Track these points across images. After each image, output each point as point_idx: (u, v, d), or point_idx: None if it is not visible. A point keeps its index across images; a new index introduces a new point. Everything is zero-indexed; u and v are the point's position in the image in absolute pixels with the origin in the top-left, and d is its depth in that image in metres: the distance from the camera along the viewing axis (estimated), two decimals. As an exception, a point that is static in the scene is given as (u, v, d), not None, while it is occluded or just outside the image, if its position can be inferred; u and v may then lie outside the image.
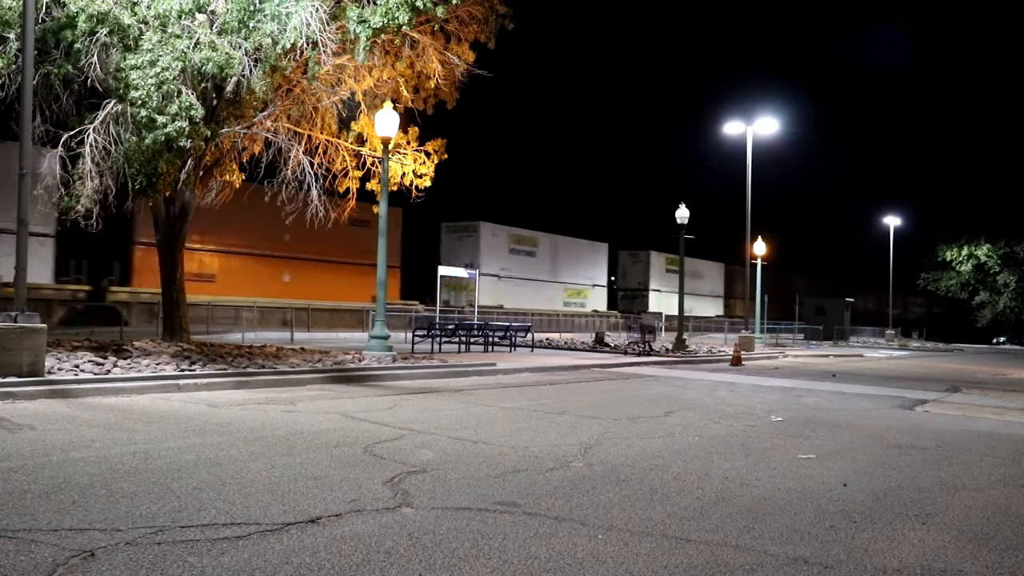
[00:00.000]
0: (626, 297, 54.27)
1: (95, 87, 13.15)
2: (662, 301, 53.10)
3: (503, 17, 16.29)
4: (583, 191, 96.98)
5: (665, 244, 58.12)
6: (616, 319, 47.79)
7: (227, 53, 12.72)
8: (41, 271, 23.37)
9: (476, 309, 33.13)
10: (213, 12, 13.32)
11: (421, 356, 18.10)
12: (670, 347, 26.59)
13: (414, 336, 22.38)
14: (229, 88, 14.01)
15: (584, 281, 49.84)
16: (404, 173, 17.74)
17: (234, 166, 17.05)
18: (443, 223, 42.60)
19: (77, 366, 11.19)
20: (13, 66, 12.32)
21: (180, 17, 12.76)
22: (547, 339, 29.39)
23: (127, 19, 12.69)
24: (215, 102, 14.18)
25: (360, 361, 15.08)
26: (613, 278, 54.90)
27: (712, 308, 61.34)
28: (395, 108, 16.21)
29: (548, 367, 17.84)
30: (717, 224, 62.38)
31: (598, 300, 51.34)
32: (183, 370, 11.70)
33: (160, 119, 12.24)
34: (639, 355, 23.36)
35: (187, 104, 12.49)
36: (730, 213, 51.23)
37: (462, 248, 41.70)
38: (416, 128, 17.72)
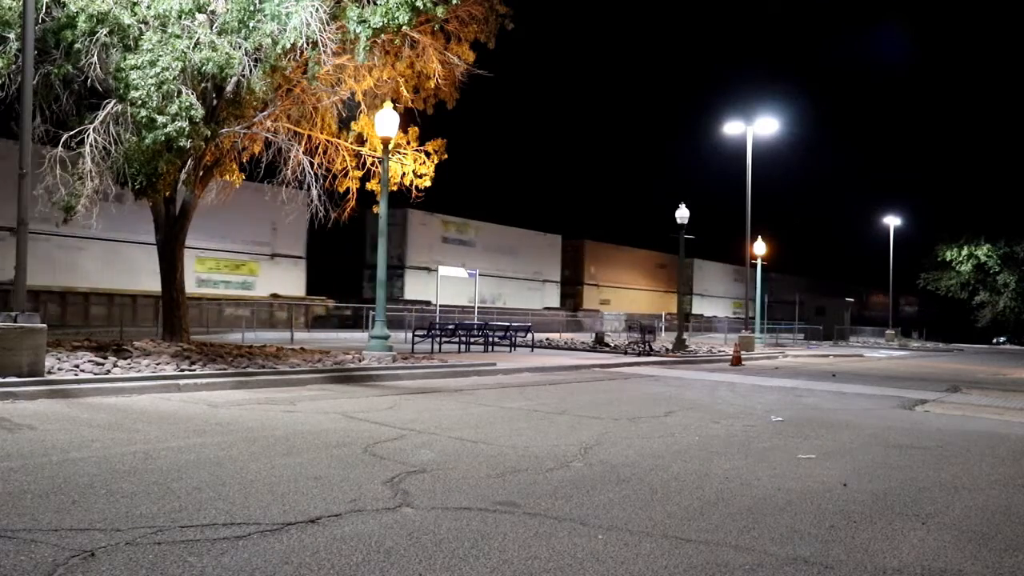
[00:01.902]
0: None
1: (95, 87, 13.15)
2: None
3: (503, 17, 16.28)
4: (582, 191, 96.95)
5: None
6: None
7: (227, 53, 12.72)
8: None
9: (476, 309, 33.13)
10: (213, 12, 13.32)
11: (421, 356, 18.10)
12: (670, 347, 26.59)
13: (414, 336, 22.39)
14: (229, 88, 14.02)
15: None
16: (404, 173, 17.75)
17: (234, 166, 17.05)
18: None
19: (77, 366, 11.19)
20: (13, 66, 12.32)
21: (180, 17, 12.76)
22: (547, 339, 29.40)
23: (127, 19, 12.69)
24: (215, 102, 14.18)
25: (360, 361, 15.08)
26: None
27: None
28: (395, 108, 16.21)
29: (548, 367, 17.84)
30: (717, 224, 62.59)
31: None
32: (183, 370, 11.70)
33: (160, 119, 12.24)
34: (639, 355, 23.36)
35: (187, 104, 12.49)
36: (730, 213, 51.27)
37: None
38: (416, 128, 17.72)
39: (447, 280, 33.53)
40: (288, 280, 32.67)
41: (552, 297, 47.03)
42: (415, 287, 38.15)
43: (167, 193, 15.10)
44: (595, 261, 51.76)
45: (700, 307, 59.25)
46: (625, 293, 53.94)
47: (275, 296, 31.59)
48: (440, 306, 33.37)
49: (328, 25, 13.54)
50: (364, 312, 32.06)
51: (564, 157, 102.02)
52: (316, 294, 34.01)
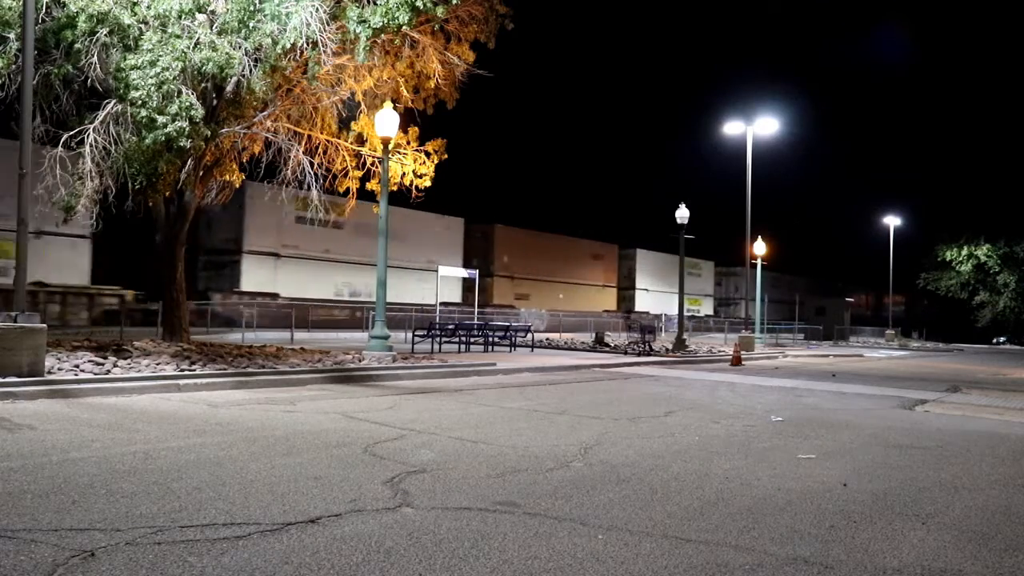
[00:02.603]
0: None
1: (95, 87, 13.15)
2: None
3: (503, 17, 16.29)
4: (582, 191, 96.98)
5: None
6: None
7: (227, 53, 12.72)
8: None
9: (476, 309, 33.08)
10: (213, 12, 13.32)
11: (421, 356, 18.10)
12: (670, 347, 26.59)
13: (414, 336, 22.39)
14: (229, 88, 14.02)
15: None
16: (404, 173, 17.75)
17: (234, 166, 17.06)
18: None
19: (77, 366, 11.19)
20: (13, 66, 12.32)
21: (180, 17, 12.76)
22: (547, 339, 29.40)
23: (127, 19, 12.69)
24: (215, 102, 14.18)
25: (360, 361, 15.08)
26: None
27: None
28: (395, 108, 16.21)
29: (548, 367, 17.84)
30: (717, 224, 62.28)
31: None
32: (183, 370, 11.70)
33: (160, 119, 12.24)
34: (639, 355, 23.36)
35: (187, 104, 12.49)
36: (730, 213, 51.13)
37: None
38: (416, 128, 17.73)
39: (303, 269, 30.57)
40: (64, 265, 25.70)
41: (450, 290, 39.55)
42: (257, 277, 31.47)
43: (167, 193, 15.11)
44: (508, 249, 44.39)
45: (644, 303, 54.71)
46: (551, 287, 47.08)
47: (40, 284, 24.57)
48: (294, 299, 29.30)
49: (328, 25, 13.54)
50: (204, 310, 26.89)
51: (564, 157, 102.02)
52: (109, 283, 27.31)
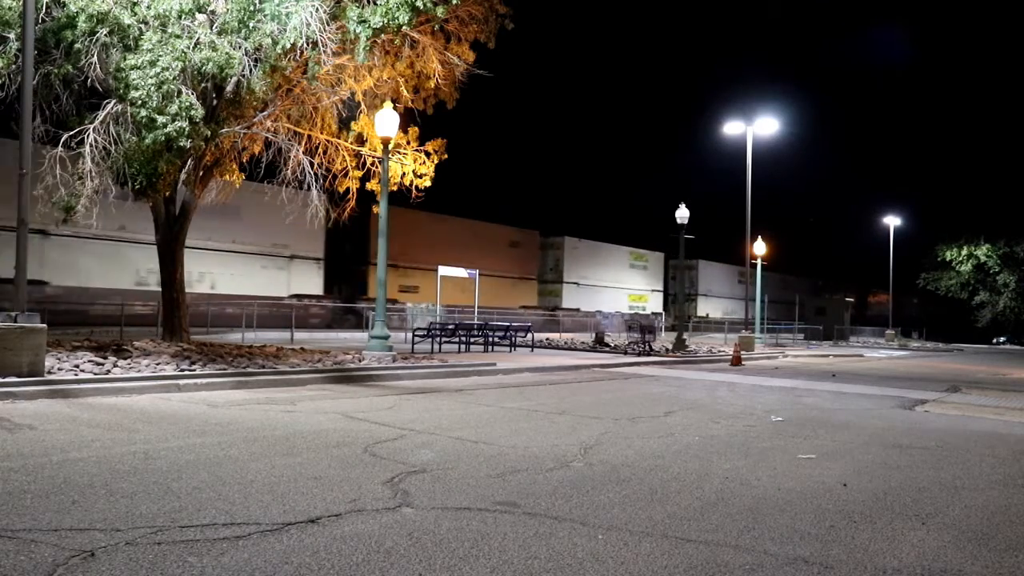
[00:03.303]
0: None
1: (95, 87, 13.16)
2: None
3: (503, 17, 16.29)
4: (581, 191, 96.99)
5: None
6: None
7: (227, 53, 12.72)
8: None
9: (476, 308, 33.08)
10: (213, 12, 13.33)
11: (421, 356, 18.10)
12: (670, 347, 26.59)
13: (414, 336, 22.40)
14: (229, 88, 14.02)
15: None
16: (404, 173, 17.76)
17: (234, 166, 17.06)
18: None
19: (77, 366, 11.19)
20: (13, 66, 12.33)
21: (180, 17, 12.77)
22: (547, 339, 29.40)
23: (127, 19, 12.70)
24: (215, 102, 14.18)
25: (360, 361, 15.08)
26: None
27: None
28: (395, 108, 16.21)
29: (548, 367, 17.84)
30: (717, 224, 61.92)
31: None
32: (183, 370, 11.70)
33: (160, 119, 12.24)
34: (639, 355, 23.36)
35: (187, 104, 12.49)
36: (729, 213, 51.05)
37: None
38: (416, 128, 17.74)
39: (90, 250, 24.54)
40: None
41: (308, 280, 33.76)
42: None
43: (167, 193, 15.11)
44: (393, 234, 37.10)
45: (574, 299, 48.24)
46: (447, 280, 37.96)
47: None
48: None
49: (328, 25, 13.54)
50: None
51: (564, 157, 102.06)
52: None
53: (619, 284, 52.80)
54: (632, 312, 47.67)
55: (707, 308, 57.91)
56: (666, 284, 59.42)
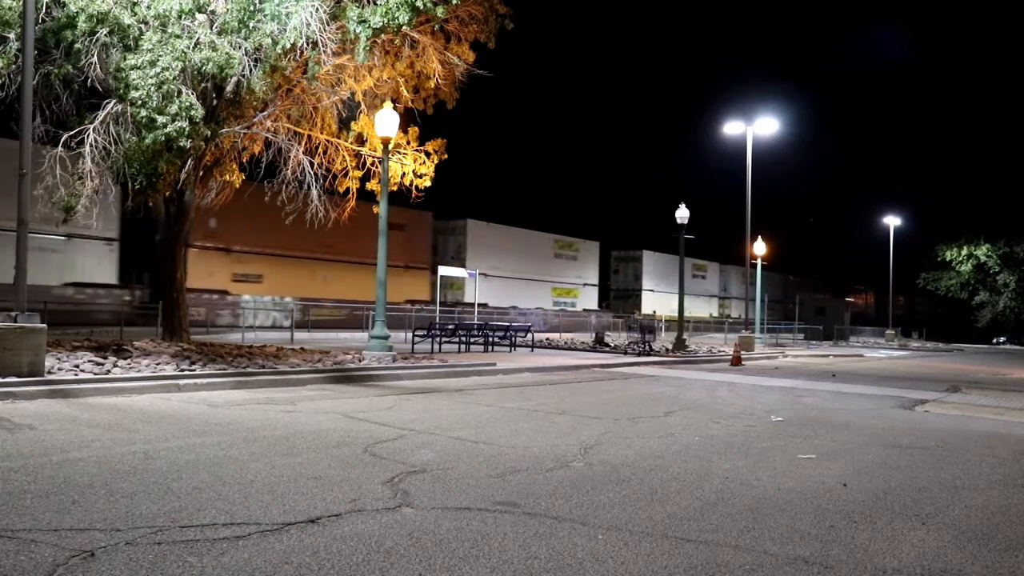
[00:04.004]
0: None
1: (95, 87, 13.16)
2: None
3: (503, 17, 16.29)
4: (582, 190, 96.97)
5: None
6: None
7: (227, 53, 12.72)
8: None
9: (476, 308, 33.05)
10: (213, 12, 13.32)
11: (421, 356, 18.10)
12: (670, 347, 26.60)
13: (414, 336, 22.40)
14: (229, 88, 14.02)
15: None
16: (404, 173, 17.75)
17: (234, 166, 17.06)
18: None
19: (77, 366, 11.19)
20: (13, 66, 12.33)
21: (180, 17, 12.77)
22: (547, 339, 29.40)
23: (127, 19, 12.70)
24: (215, 102, 14.18)
25: (360, 361, 15.08)
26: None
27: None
28: (395, 108, 16.21)
29: (548, 367, 17.84)
30: (717, 224, 61.60)
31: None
32: (183, 370, 11.70)
33: (160, 119, 12.24)
34: (639, 355, 23.36)
35: (187, 104, 12.49)
36: (729, 213, 50.91)
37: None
38: (416, 128, 17.73)
39: None
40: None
41: (99, 267, 27.37)
42: None
43: (167, 193, 15.11)
44: (221, 212, 24.23)
45: (483, 292, 38.81)
46: (303, 267, 32.57)
47: None
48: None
49: (328, 25, 13.54)
50: None
51: (564, 157, 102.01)
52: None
53: (541, 276, 45.00)
54: (559, 309, 42.40)
55: (654, 304, 51.80)
56: (603, 277, 52.96)
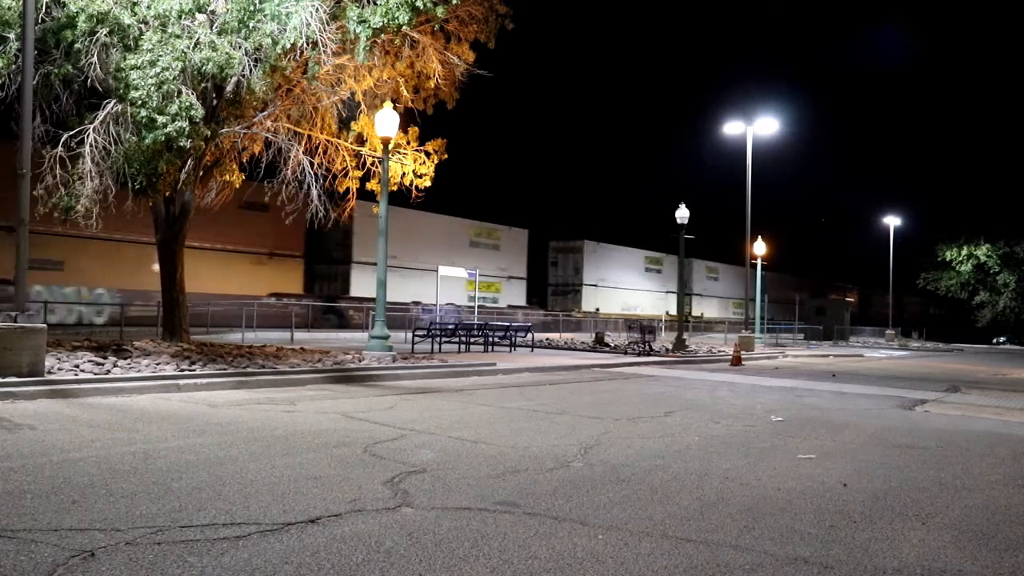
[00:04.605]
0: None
1: (95, 87, 13.15)
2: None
3: (503, 17, 16.28)
4: (582, 190, 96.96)
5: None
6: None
7: (227, 53, 12.71)
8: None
9: (476, 308, 32.99)
10: (213, 12, 13.32)
11: (421, 356, 18.10)
12: (670, 347, 26.59)
13: (414, 336, 22.39)
14: (229, 88, 14.01)
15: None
16: (404, 173, 17.75)
17: (234, 166, 17.06)
18: None
19: (77, 366, 11.19)
20: (13, 66, 12.32)
21: (180, 17, 12.76)
22: (547, 339, 29.40)
23: (127, 19, 12.70)
24: (215, 102, 14.17)
25: (360, 361, 15.08)
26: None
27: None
28: (395, 108, 16.21)
29: (548, 367, 17.84)
30: (717, 224, 61.54)
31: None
32: (183, 370, 11.70)
33: (160, 119, 12.24)
34: (639, 355, 23.36)
35: (187, 104, 12.49)
36: (729, 213, 50.92)
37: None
38: (416, 128, 17.73)
39: None
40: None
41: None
42: None
43: (167, 193, 15.10)
44: None
45: (368, 285, 31.52)
46: (121, 251, 27.15)
47: None
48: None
49: (328, 25, 13.54)
50: None
51: (564, 157, 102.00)
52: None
53: (454, 268, 37.24)
54: (478, 304, 35.70)
55: (597, 301, 48.20)
56: (531, 270, 47.39)
